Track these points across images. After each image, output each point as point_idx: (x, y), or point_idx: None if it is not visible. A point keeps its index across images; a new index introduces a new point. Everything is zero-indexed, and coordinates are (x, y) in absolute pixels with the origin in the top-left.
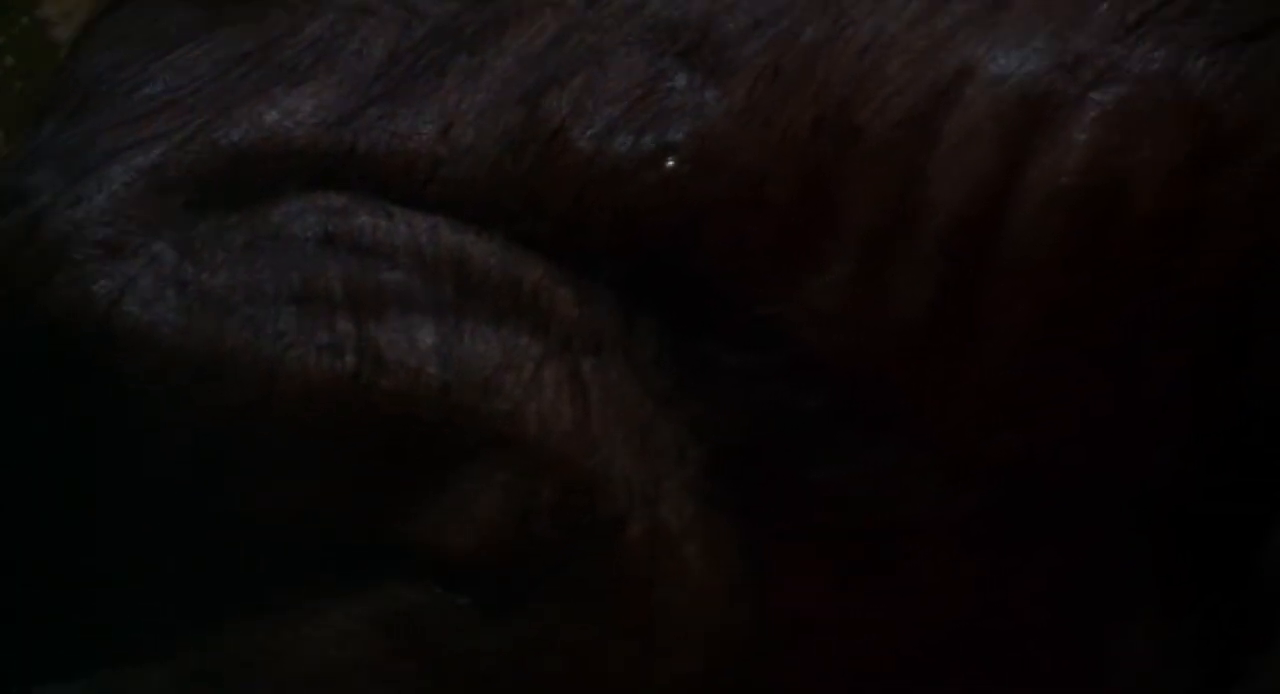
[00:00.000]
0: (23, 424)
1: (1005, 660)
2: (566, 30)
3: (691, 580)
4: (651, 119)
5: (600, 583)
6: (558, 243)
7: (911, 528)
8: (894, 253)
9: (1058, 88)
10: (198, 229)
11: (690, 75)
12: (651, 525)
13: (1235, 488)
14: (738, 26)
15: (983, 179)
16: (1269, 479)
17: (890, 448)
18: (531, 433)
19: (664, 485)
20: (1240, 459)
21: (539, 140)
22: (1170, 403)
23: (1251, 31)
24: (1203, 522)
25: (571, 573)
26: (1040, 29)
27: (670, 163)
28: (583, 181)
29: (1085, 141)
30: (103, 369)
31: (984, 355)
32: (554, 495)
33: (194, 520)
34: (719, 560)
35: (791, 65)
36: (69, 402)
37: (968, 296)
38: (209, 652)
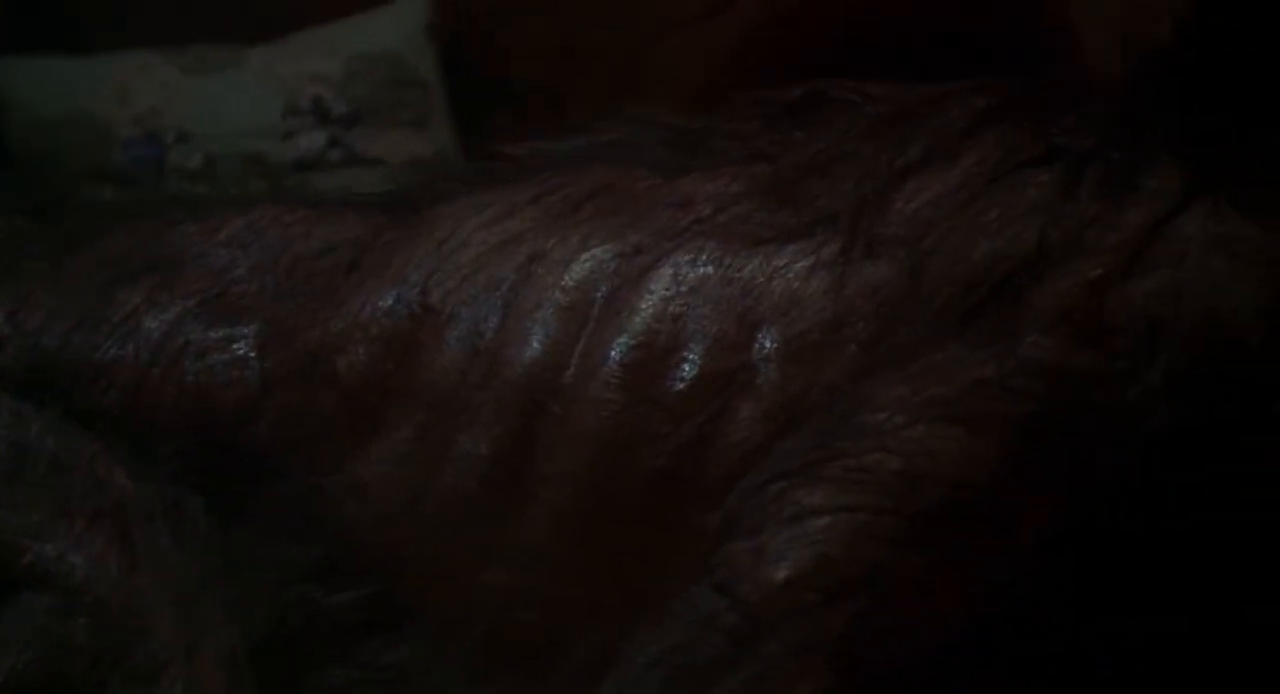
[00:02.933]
0: None
1: None
2: (143, 240)
3: None
4: (223, 312)
5: None
6: (122, 416)
7: None
8: (456, 417)
9: (619, 269)
10: None
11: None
12: (185, 687)
13: None
14: None
15: (548, 344)
16: None
17: (416, 645)
18: (77, 577)
19: (202, 652)
20: None
21: (110, 322)
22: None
23: (774, 237)
24: None
25: None
26: (605, 228)
27: (238, 346)
28: (151, 358)
29: (643, 312)
30: None
31: (529, 522)
32: (90, 638)
33: None
34: None
35: (369, 260)
36: None
37: (522, 460)
38: None
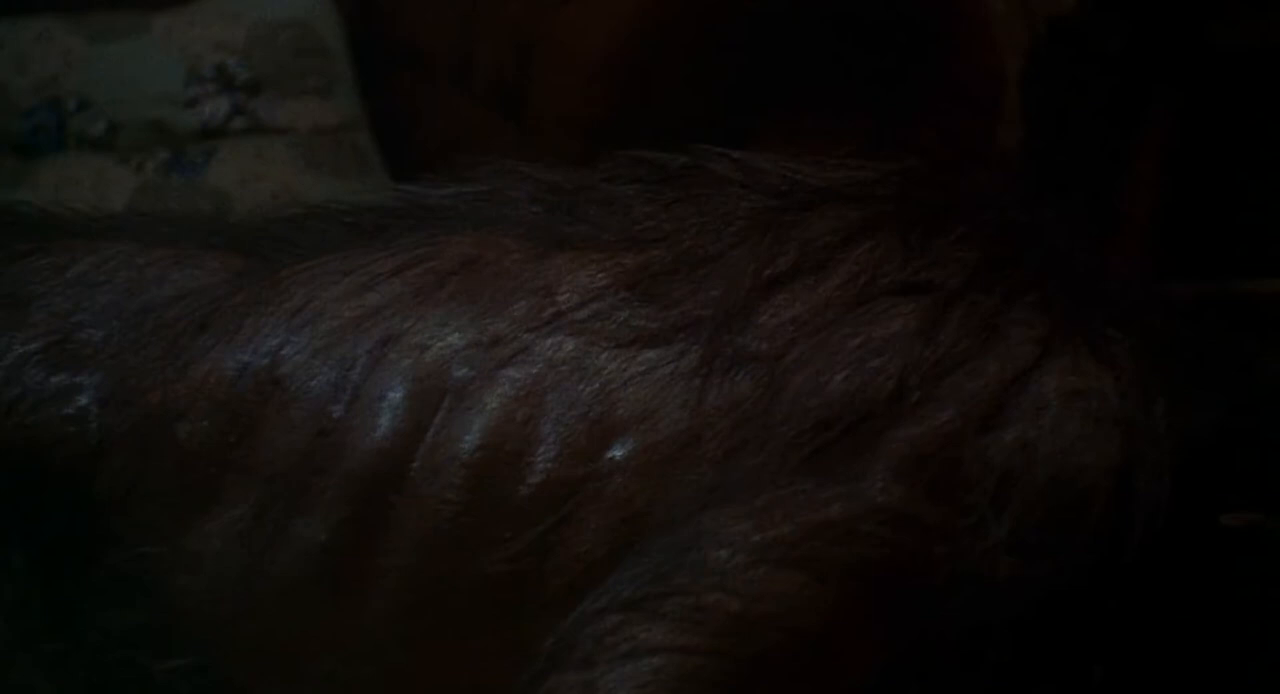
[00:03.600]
0: None
1: None
2: None
3: None
4: (65, 360)
5: None
6: None
7: None
8: (297, 498)
9: (474, 360)
10: None
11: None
12: None
13: None
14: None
15: (395, 433)
16: None
17: None
18: None
19: None
20: None
21: None
22: None
23: (642, 337)
24: None
25: None
26: (465, 312)
27: (78, 398)
28: None
29: (494, 409)
30: None
31: (362, 614)
32: None
33: None
34: None
35: (220, 321)
36: None
37: (360, 551)
38: None
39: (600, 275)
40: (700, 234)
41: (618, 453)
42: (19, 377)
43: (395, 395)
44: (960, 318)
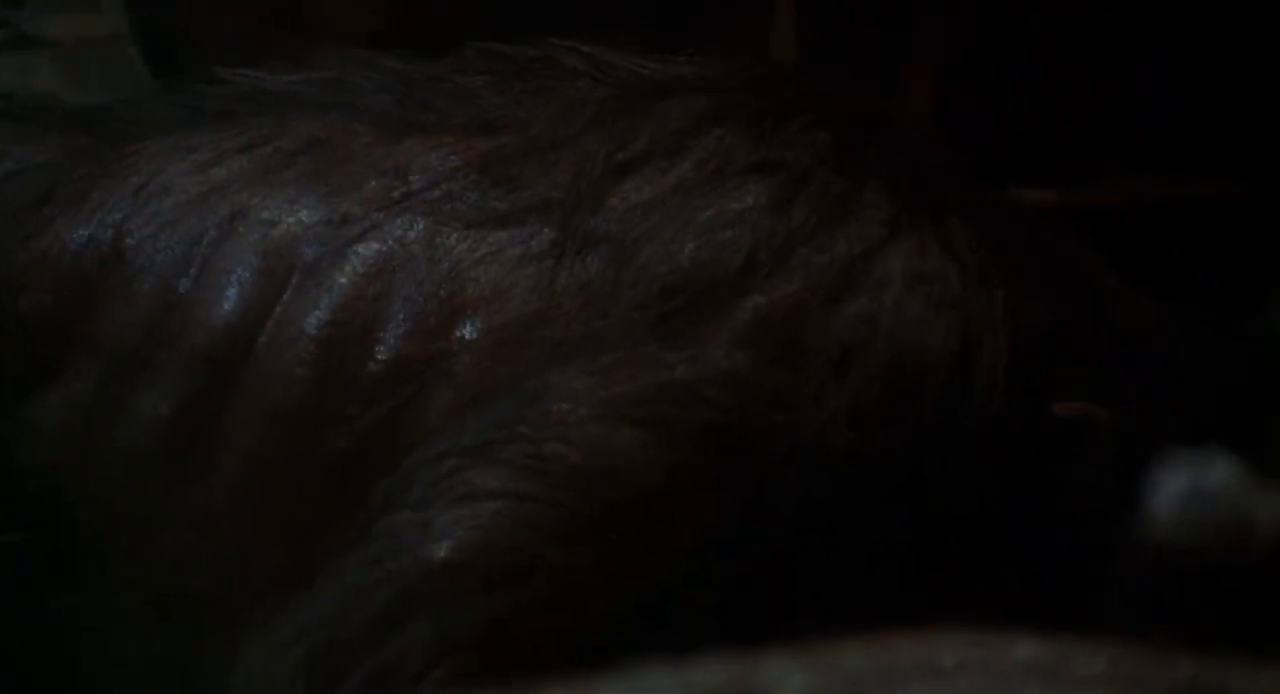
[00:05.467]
0: None
1: None
2: None
3: None
4: None
5: None
6: None
7: None
8: (141, 372)
9: (324, 238)
10: None
11: None
12: None
13: None
14: None
15: (242, 308)
16: None
17: (88, 595)
18: None
19: None
20: None
21: None
22: None
23: (494, 218)
24: None
25: None
26: (314, 190)
27: None
28: None
29: (343, 287)
30: None
31: (207, 489)
32: None
33: None
34: None
35: (63, 193)
36: None
37: (205, 426)
38: None
39: (452, 157)
40: (551, 121)
41: (467, 332)
42: None
43: (243, 270)
44: (811, 195)
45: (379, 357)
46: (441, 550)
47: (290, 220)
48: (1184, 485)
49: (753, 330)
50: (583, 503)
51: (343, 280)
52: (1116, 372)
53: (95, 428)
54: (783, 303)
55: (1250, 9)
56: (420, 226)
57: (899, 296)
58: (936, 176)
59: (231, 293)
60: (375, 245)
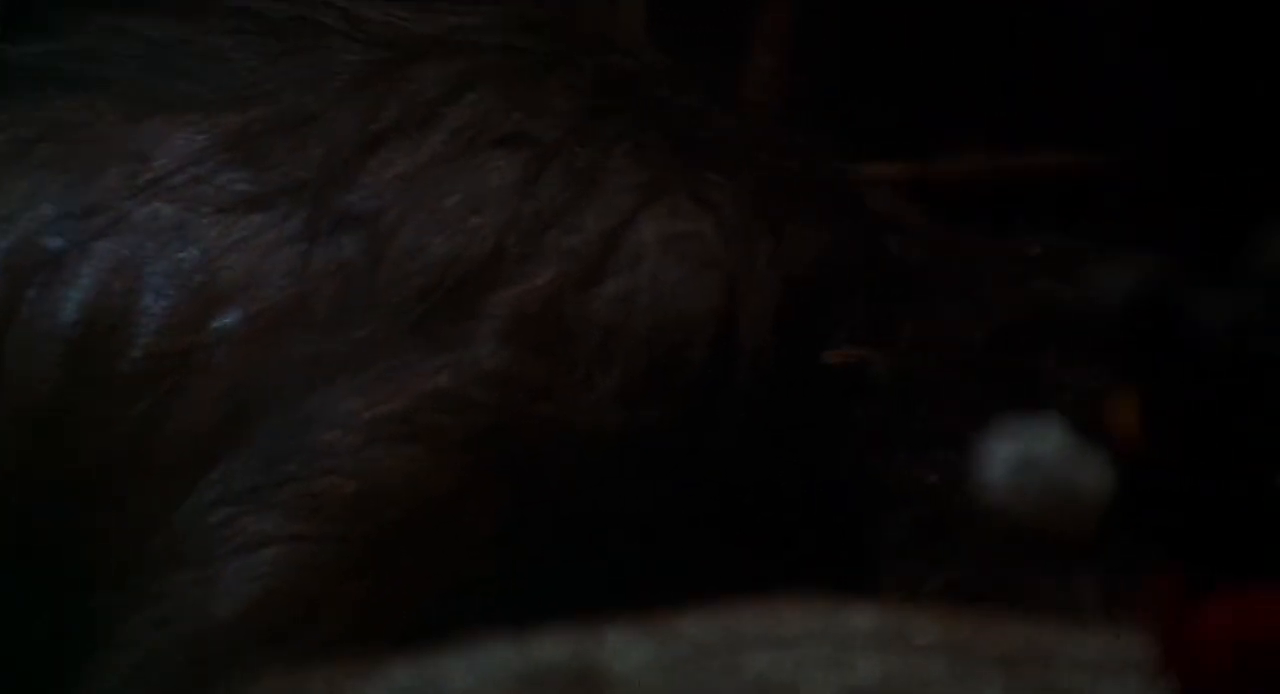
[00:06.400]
0: None
1: None
2: None
3: None
4: None
5: None
6: None
7: None
8: None
9: (67, 232)
10: None
11: None
12: None
13: None
14: None
15: None
16: None
17: None
18: None
19: None
20: None
21: None
22: None
23: (245, 201)
24: None
25: None
26: (56, 182)
27: None
28: None
29: (91, 282)
30: None
31: None
32: None
33: None
34: None
35: None
36: None
37: None
38: None
39: (199, 138)
40: (303, 90)
41: (223, 322)
42: None
43: None
44: (557, 171)
45: (132, 354)
46: (225, 609)
47: (31, 215)
48: (1015, 453)
49: (511, 325)
50: (361, 532)
51: (89, 276)
52: (895, 311)
53: None
54: (538, 292)
55: None
56: (169, 214)
57: (654, 266)
58: (695, 131)
59: None
60: (122, 237)
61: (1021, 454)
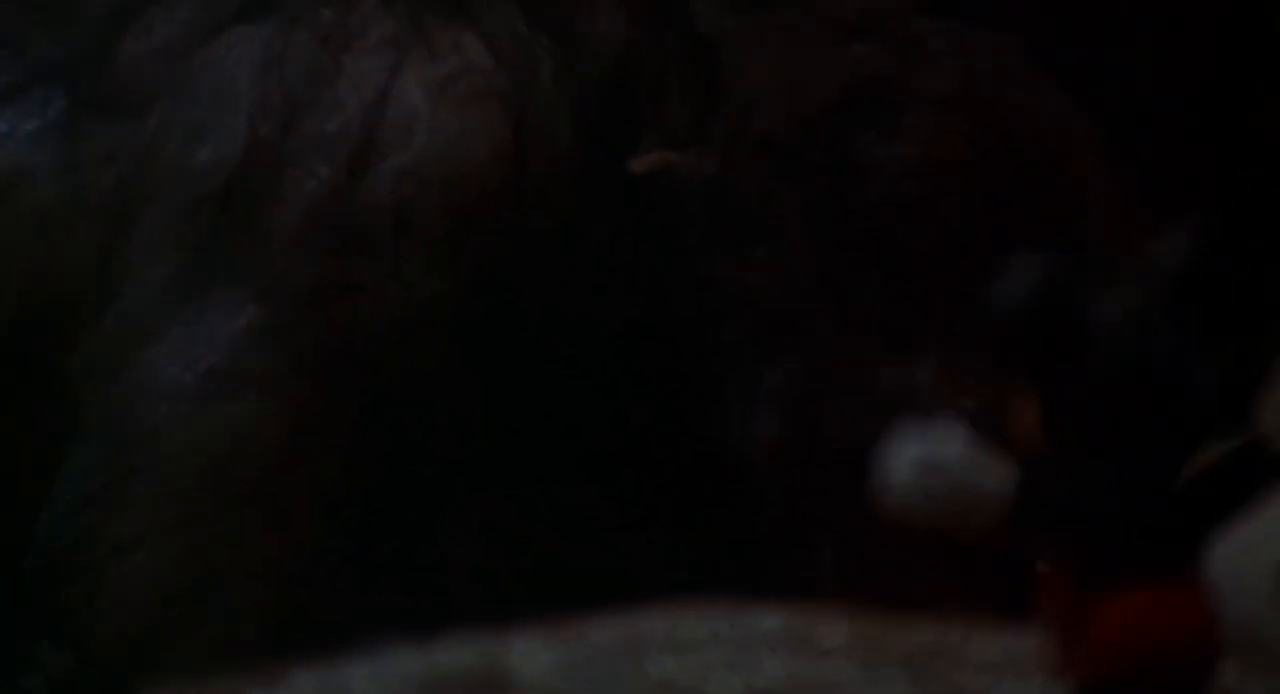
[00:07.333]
0: None
1: None
2: None
3: None
4: None
5: None
6: None
7: None
8: None
9: None
10: None
11: None
12: None
13: None
14: None
15: None
16: None
17: None
18: None
19: None
20: None
21: None
22: None
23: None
24: None
25: None
26: None
27: None
28: None
29: None
30: None
31: None
32: None
33: None
34: None
35: None
36: None
37: None
38: None
39: None
40: None
41: None
42: None
43: None
44: (305, 42)
45: None
46: (120, 617)
47: None
48: (918, 456)
49: (304, 232)
50: (221, 502)
51: None
52: (709, 106)
53: None
54: (320, 190)
55: None
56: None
57: (428, 124)
58: None
59: None
60: None
61: (925, 457)
